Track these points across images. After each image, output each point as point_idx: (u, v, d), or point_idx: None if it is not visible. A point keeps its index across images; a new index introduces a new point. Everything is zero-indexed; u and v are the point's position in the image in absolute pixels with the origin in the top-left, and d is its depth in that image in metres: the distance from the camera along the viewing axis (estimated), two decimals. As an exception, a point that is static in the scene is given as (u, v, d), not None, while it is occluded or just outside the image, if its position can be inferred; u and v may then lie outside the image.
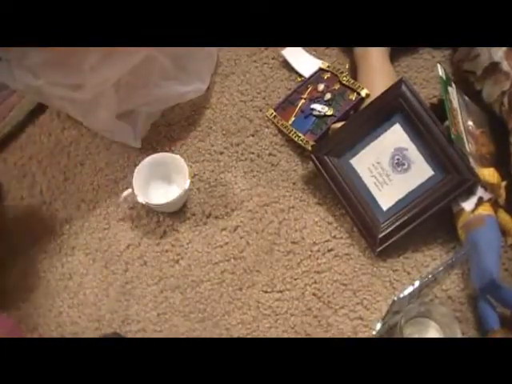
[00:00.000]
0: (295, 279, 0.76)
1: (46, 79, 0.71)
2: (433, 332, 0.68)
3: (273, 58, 0.92)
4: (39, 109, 0.93)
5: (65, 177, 0.88)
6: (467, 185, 0.70)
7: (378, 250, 0.74)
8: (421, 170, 0.74)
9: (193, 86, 0.84)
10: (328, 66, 0.88)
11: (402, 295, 0.59)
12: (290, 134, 0.84)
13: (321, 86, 0.86)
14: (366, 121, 0.76)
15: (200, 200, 0.83)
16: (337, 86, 0.85)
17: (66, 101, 0.77)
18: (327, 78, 0.87)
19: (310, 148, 0.81)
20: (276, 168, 0.84)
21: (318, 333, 0.72)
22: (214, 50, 0.90)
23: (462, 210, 0.71)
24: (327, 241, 0.78)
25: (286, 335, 0.73)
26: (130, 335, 0.75)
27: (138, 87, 0.78)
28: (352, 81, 0.83)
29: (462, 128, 0.74)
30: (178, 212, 0.82)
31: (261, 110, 0.88)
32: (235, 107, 0.89)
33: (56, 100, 0.78)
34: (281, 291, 0.75)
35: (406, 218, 0.73)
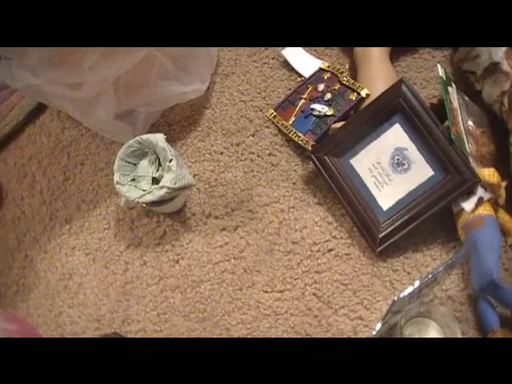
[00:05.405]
0: (295, 279, 0.76)
1: (45, 78, 0.71)
2: (433, 332, 0.68)
3: (273, 58, 0.92)
4: (39, 109, 0.93)
5: (65, 177, 0.88)
6: (467, 185, 0.70)
7: (378, 249, 0.74)
8: (421, 170, 0.74)
9: (193, 86, 0.84)
10: (328, 66, 0.87)
11: (402, 295, 0.59)
12: (290, 134, 0.84)
13: (321, 86, 0.86)
14: (366, 121, 0.76)
15: (200, 200, 0.83)
16: (337, 86, 0.85)
17: (66, 100, 0.77)
18: (327, 77, 0.87)
19: (310, 148, 0.81)
20: (276, 168, 0.84)
21: (318, 333, 0.72)
22: (213, 50, 0.90)
23: (462, 210, 0.71)
24: (327, 241, 0.78)
25: (285, 335, 0.73)
26: (130, 335, 0.75)
27: (137, 86, 0.78)
28: (352, 81, 0.83)
29: (462, 128, 0.74)
30: (178, 212, 0.82)
31: (261, 110, 0.88)
32: (235, 107, 0.89)
33: (55, 99, 0.78)
34: (281, 291, 0.75)
35: (406, 217, 0.73)
